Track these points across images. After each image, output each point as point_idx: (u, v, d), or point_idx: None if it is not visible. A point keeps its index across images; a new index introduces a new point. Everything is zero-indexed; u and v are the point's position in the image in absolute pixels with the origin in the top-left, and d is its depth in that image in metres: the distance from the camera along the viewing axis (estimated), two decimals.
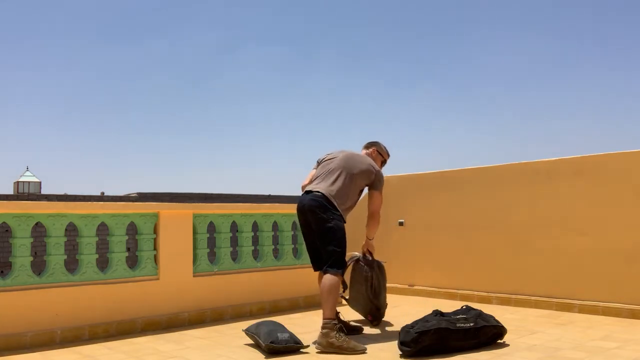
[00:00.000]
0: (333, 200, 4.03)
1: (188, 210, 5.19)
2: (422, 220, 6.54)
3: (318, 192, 4.07)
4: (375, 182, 4.27)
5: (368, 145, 4.60)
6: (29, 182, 28.88)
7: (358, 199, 4.31)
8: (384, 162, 4.61)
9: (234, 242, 5.50)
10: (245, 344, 4.05)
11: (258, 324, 4.02)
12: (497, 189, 5.84)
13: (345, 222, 4.11)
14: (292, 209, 5.38)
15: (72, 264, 4.52)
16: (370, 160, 4.34)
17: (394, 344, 3.83)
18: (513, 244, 5.65)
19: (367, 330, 4.50)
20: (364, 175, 4.22)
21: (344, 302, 4.83)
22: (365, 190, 4.36)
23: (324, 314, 3.85)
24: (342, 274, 3.99)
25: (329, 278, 3.87)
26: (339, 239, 3.97)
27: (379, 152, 4.56)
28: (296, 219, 4.81)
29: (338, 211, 4.03)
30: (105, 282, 4.60)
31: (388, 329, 4.53)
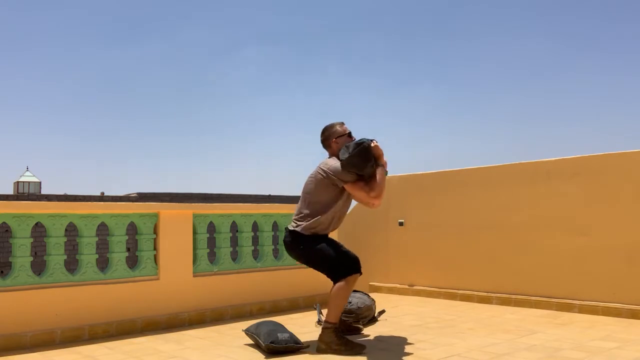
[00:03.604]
0: (299, 224, 3.93)
1: (188, 210, 5.19)
2: (422, 220, 6.54)
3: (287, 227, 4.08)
4: (334, 179, 3.82)
5: (324, 141, 4.04)
6: (29, 182, 28.92)
7: (334, 200, 3.91)
8: (349, 135, 4.00)
9: (234, 242, 5.50)
10: (245, 344, 4.05)
11: (258, 324, 4.02)
12: (497, 189, 5.84)
13: (317, 233, 3.91)
14: (291, 209, 5.38)
15: (72, 264, 4.53)
16: (317, 169, 3.93)
17: (394, 343, 3.83)
18: (513, 244, 5.65)
19: (367, 330, 4.50)
20: (316, 183, 3.90)
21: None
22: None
23: (327, 316, 3.82)
24: (352, 274, 3.79)
25: (337, 284, 3.81)
26: (322, 258, 3.87)
27: (336, 138, 3.97)
28: None
29: (306, 233, 3.89)
30: (105, 282, 4.60)
31: (388, 328, 4.53)
